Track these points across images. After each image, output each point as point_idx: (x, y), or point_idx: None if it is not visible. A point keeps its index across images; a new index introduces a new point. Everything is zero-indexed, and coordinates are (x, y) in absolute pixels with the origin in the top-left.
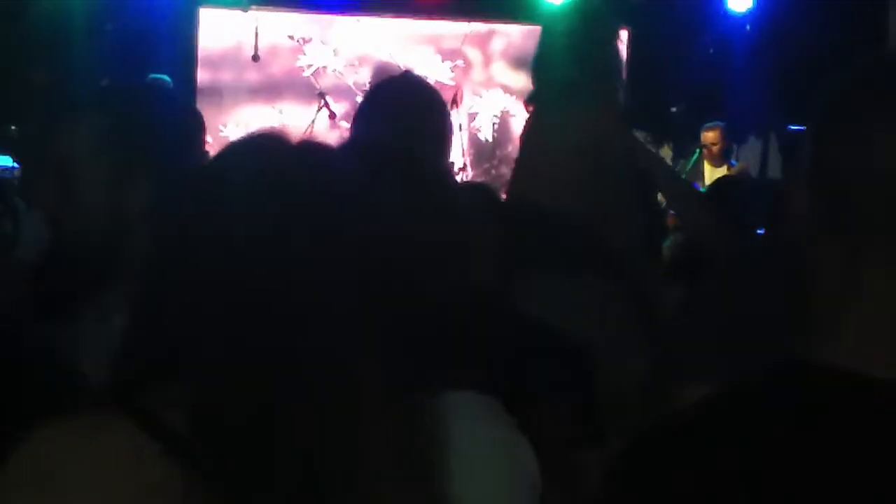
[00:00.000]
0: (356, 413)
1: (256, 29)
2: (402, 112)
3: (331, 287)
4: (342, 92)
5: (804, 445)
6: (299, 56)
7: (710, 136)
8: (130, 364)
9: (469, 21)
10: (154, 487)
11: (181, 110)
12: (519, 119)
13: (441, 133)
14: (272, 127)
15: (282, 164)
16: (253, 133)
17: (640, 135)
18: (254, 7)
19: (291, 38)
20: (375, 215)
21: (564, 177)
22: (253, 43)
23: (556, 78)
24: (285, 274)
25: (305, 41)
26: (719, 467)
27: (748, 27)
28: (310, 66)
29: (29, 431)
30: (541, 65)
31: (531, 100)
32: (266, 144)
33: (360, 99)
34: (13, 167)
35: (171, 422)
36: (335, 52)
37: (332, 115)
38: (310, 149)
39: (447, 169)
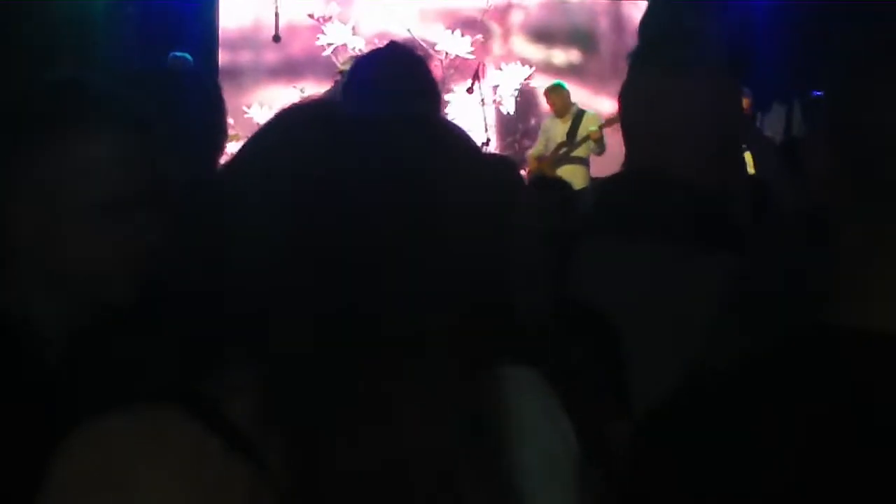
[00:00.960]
0: (434, 387)
1: (277, 9)
2: (403, 80)
3: (407, 256)
4: None
5: (835, 409)
6: (318, 35)
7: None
8: (190, 350)
9: None
10: (218, 484)
11: (208, 102)
12: (539, 91)
13: (438, 98)
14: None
15: (345, 136)
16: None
17: None
18: None
19: (311, 16)
20: (432, 182)
21: (689, 143)
22: (273, 23)
23: (669, 33)
24: (359, 240)
25: (325, 20)
26: (748, 429)
27: None
28: (330, 44)
29: (87, 424)
30: (651, 20)
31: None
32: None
33: None
34: None
35: (233, 411)
36: (354, 30)
37: None
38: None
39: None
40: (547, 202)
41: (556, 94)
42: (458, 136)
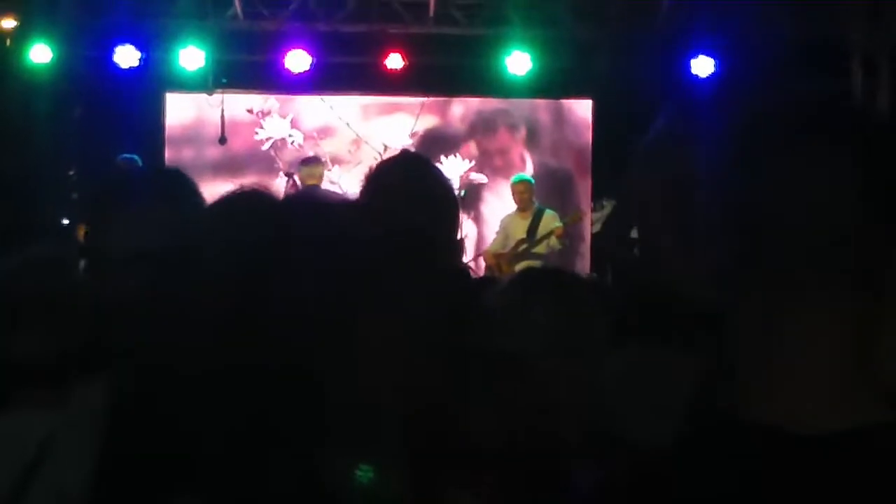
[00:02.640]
0: None
1: (223, 112)
2: (425, 195)
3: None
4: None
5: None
6: (257, 129)
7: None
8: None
9: (429, 96)
10: None
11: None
12: (477, 184)
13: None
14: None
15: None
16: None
17: (608, 202)
18: (218, 90)
19: (250, 111)
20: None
21: None
22: (219, 124)
23: None
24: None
25: (264, 114)
26: None
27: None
28: (269, 138)
29: None
30: None
31: None
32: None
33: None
34: None
35: None
36: (293, 124)
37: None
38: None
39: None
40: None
41: (524, 186)
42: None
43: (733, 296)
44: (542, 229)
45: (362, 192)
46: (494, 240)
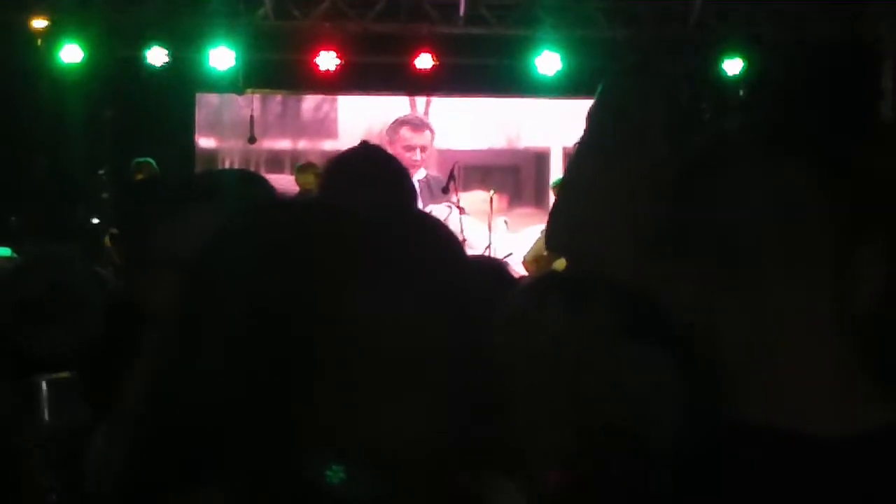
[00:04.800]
0: None
1: (252, 112)
2: (388, 178)
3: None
4: None
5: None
6: None
7: None
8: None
9: (459, 96)
10: None
11: None
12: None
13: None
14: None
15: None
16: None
17: None
18: (248, 91)
19: None
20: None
21: None
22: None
23: None
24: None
25: None
26: None
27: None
28: None
29: None
30: None
31: None
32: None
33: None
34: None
35: None
36: None
37: None
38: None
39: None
40: None
41: None
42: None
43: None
44: None
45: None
46: (532, 247)
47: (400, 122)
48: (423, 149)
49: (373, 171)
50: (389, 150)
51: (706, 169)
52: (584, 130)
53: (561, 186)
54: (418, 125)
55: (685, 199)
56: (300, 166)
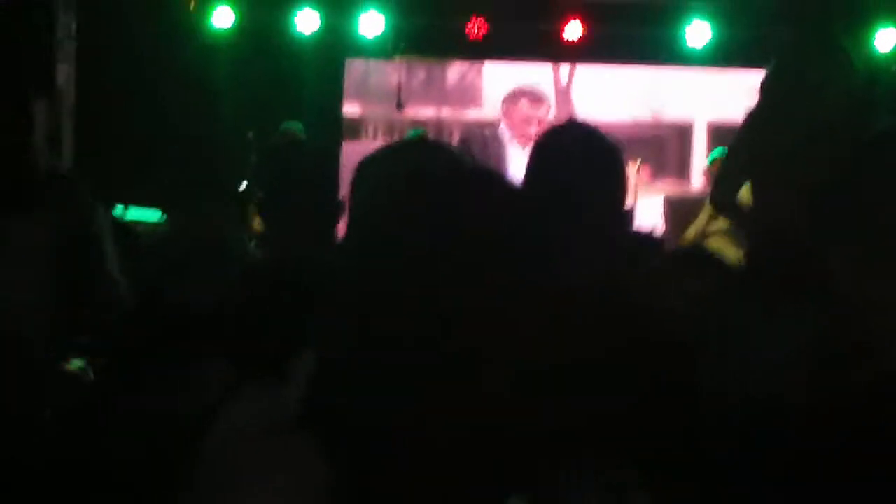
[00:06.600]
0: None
1: (400, 78)
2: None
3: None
4: None
5: None
6: None
7: None
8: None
9: (607, 63)
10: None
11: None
12: None
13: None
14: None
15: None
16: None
17: None
18: (398, 57)
19: None
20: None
21: None
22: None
23: None
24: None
25: None
26: None
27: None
28: None
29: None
30: None
31: None
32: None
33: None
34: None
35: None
36: None
37: None
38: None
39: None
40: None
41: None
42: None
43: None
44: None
45: (529, 160)
46: (694, 223)
47: (519, 94)
48: (540, 121)
49: (587, 153)
50: (505, 122)
51: (884, 150)
52: (759, 99)
53: (730, 152)
54: (537, 97)
55: (864, 174)
56: (412, 134)
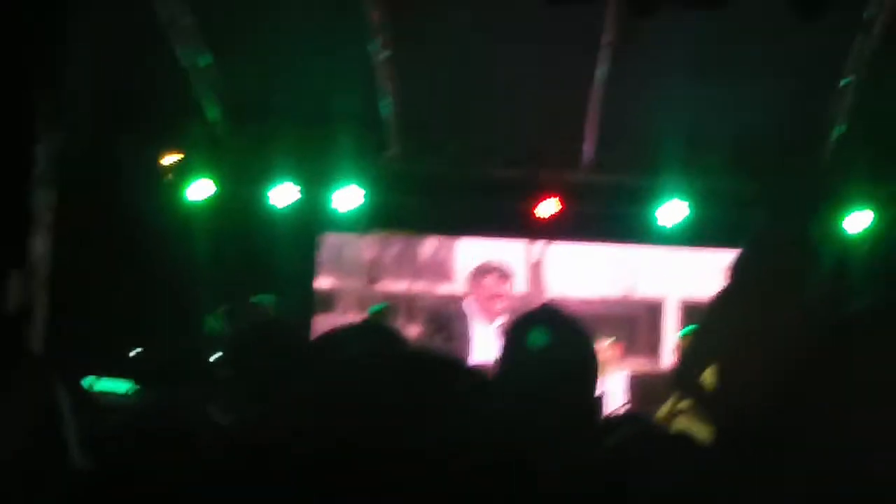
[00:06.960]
0: None
1: (374, 253)
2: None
3: None
4: None
5: None
6: None
7: None
8: None
9: (582, 242)
10: None
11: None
12: None
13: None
14: None
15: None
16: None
17: None
18: (371, 232)
19: None
20: None
21: None
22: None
23: None
24: None
25: None
26: None
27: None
28: None
29: None
30: None
31: None
32: None
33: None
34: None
35: None
36: None
37: None
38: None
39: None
40: None
41: None
42: None
43: None
44: None
45: (501, 351)
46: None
47: (484, 270)
48: (506, 297)
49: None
50: (471, 296)
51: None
52: (730, 279)
53: (696, 333)
54: (504, 274)
55: (835, 358)
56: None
